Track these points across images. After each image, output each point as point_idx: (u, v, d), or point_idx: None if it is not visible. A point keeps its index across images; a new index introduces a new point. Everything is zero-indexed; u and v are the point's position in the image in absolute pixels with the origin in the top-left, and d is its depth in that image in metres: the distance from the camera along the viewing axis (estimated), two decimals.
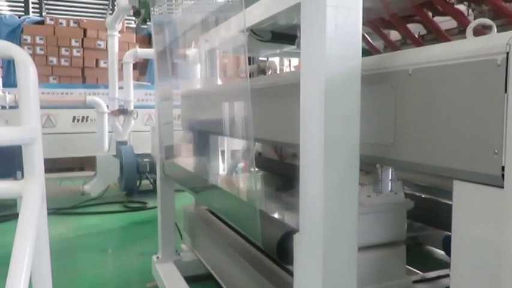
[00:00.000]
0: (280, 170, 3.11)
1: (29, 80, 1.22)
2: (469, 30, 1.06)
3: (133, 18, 5.39)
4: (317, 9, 1.01)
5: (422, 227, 2.34)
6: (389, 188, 1.56)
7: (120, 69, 6.68)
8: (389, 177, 1.56)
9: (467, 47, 0.94)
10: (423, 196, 2.36)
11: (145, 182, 6.28)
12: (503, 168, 0.86)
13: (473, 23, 1.11)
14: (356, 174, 1.12)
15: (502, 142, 0.85)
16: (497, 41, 0.86)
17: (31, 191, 1.21)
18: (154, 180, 6.09)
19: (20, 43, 8.99)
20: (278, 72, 5.93)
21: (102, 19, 17.32)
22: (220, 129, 2.39)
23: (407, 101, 1.08)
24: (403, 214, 1.57)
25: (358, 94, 1.08)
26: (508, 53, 0.83)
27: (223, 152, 3.95)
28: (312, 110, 1.08)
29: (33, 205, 1.16)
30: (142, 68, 9.80)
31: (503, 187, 0.87)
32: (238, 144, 3.49)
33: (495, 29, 1.15)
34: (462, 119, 0.94)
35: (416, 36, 2.38)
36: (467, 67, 0.92)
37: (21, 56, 1.21)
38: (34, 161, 1.27)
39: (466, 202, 0.97)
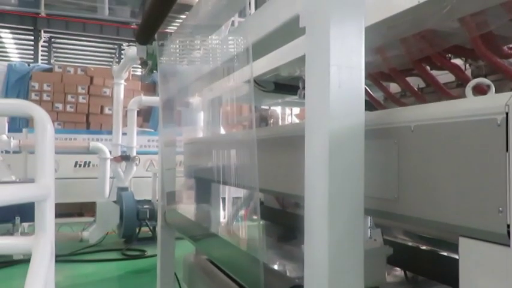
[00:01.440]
0: (282, 220, 3.08)
1: (46, 137, 1.24)
2: (468, 89, 1.10)
3: (139, 66, 5.56)
4: (321, 69, 1.05)
5: (425, 281, 2.28)
6: (369, 235, 1.57)
7: (125, 115, 6.79)
8: (369, 225, 1.58)
9: (468, 106, 0.97)
10: (425, 249, 2.32)
11: (144, 229, 6.20)
12: (508, 226, 0.86)
13: (472, 82, 1.15)
14: (361, 228, 1.12)
15: (507, 200, 0.86)
16: (496, 101, 0.89)
17: (41, 248, 1.20)
18: (154, 228, 6.02)
19: (28, 90, 9.20)
20: (280, 121, 6.01)
21: (109, 66, 17.81)
22: (224, 178, 2.40)
23: (410, 156, 1.10)
24: (382, 260, 1.56)
25: (362, 149, 1.10)
26: (507, 113, 0.85)
27: (224, 199, 3.93)
28: (316, 165, 1.10)
29: (43, 262, 1.15)
30: (146, 114, 9.95)
31: (509, 245, 0.86)
32: (240, 191, 3.48)
33: (493, 89, 1.19)
34: (465, 176, 0.95)
35: (415, 89, 2.44)
36: (468, 126, 0.94)
37: (40, 115, 1.25)
38: (46, 217, 1.27)
39: (473, 259, 0.96)
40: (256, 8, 3.39)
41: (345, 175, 1.07)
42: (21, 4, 14.21)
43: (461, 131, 0.96)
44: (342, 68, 1.04)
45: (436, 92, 2.31)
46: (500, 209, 0.87)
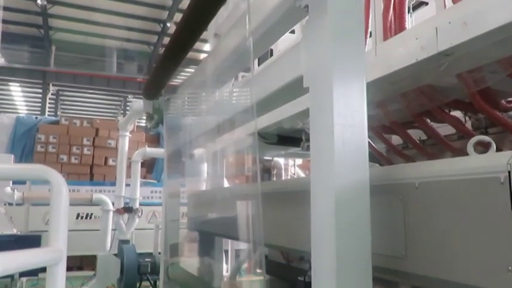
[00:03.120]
0: (288, 274, 3.00)
1: (61, 201, 1.26)
2: (470, 147, 1.12)
3: (144, 118, 5.66)
4: (325, 127, 1.08)
5: None
6: None
7: (128, 167, 6.82)
8: None
9: (470, 164, 0.99)
10: None
11: (146, 283, 6.03)
12: None
13: (473, 140, 1.17)
14: (369, 285, 1.10)
15: None
16: (498, 159, 0.91)
17: None
18: (155, 282, 5.86)
19: (34, 142, 9.32)
20: (283, 171, 6.02)
21: (114, 118, 18.12)
22: (228, 232, 2.38)
23: (416, 213, 1.11)
24: None
25: (368, 205, 1.10)
26: (510, 172, 0.87)
27: (227, 252, 3.86)
28: (322, 221, 1.10)
29: None
30: (149, 165, 10.00)
31: None
32: (243, 244, 3.43)
33: (494, 146, 1.21)
34: (472, 234, 0.95)
35: (417, 141, 2.47)
36: (471, 183, 0.95)
37: (56, 179, 1.28)
38: (57, 281, 1.26)
39: None
40: (259, 63, 3.51)
41: (351, 232, 1.07)
42: (32, 62, 14.73)
43: (465, 188, 0.97)
44: (346, 126, 1.07)
45: (437, 144, 2.34)
46: (510, 268, 0.86)
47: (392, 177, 1.21)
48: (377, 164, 2.68)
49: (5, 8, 10.41)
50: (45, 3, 12.77)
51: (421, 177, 1.10)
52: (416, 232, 1.11)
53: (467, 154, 1.20)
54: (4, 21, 10.12)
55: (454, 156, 2.14)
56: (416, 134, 2.48)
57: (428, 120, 2.25)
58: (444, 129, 2.32)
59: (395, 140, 2.66)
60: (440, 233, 1.03)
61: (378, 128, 2.48)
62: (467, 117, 2.28)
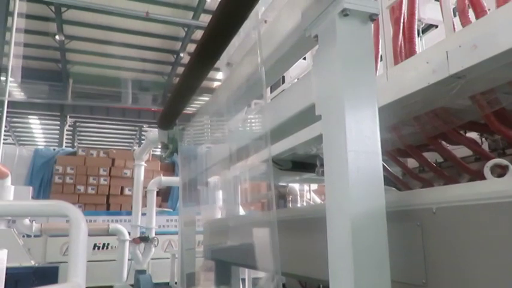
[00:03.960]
0: None
1: (80, 236, 1.28)
2: (487, 170, 1.11)
3: (159, 146, 5.72)
4: (339, 154, 1.08)
5: None
6: None
7: (144, 196, 6.85)
8: None
9: (488, 188, 0.98)
10: None
11: None
12: None
13: (490, 163, 1.16)
14: None
15: None
16: None
17: None
18: None
19: (52, 173, 9.47)
20: (298, 197, 5.97)
21: (130, 147, 18.36)
22: (245, 260, 2.35)
23: (435, 239, 1.08)
24: None
25: (385, 232, 1.09)
26: None
27: (244, 280, 3.81)
28: (339, 250, 1.09)
29: None
30: (164, 194, 10.03)
31: None
32: (260, 272, 3.38)
33: (511, 168, 1.19)
34: (493, 260, 0.93)
35: (433, 164, 2.44)
36: (490, 208, 0.94)
37: (75, 215, 1.30)
38: None
39: None
40: (272, 89, 3.56)
41: (369, 260, 1.06)
42: (51, 95, 15.14)
43: (484, 213, 0.95)
44: (359, 153, 1.07)
45: (455, 167, 2.30)
46: None
47: (409, 203, 1.19)
48: (394, 188, 2.65)
49: (25, 45, 10.80)
50: (63, 38, 13.21)
51: (438, 202, 1.08)
52: (437, 259, 1.08)
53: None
54: (24, 57, 10.48)
55: (472, 179, 2.10)
56: (432, 156, 2.45)
57: (444, 143, 2.23)
58: (461, 151, 2.29)
59: (412, 163, 2.63)
60: (461, 259, 1.01)
61: (393, 152, 2.46)
62: (483, 139, 2.26)
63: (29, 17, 10.58)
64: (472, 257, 0.99)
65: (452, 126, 2.00)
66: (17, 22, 8.91)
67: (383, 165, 2.31)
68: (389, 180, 2.61)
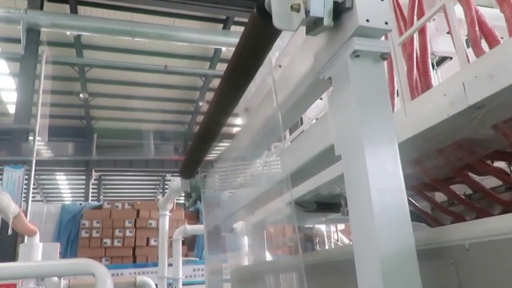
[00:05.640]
0: None
1: None
2: None
3: (183, 196, 5.75)
4: (362, 194, 1.06)
5: None
6: None
7: (170, 246, 6.81)
8: None
9: None
10: None
11: None
12: None
13: None
14: None
15: None
16: None
17: None
18: None
19: (78, 228, 9.56)
20: (326, 239, 5.84)
21: (153, 197, 18.50)
22: None
23: (470, 278, 1.03)
24: None
25: (417, 272, 1.04)
26: None
27: None
28: None
29: None
30: (190, 243, 9.94)
31: None
32: None
33: None
34: None
35: (462, 196, 2.37)
36: None
37: (101, 272, 1.31)
38: None
39: None
40: (291, 131, 3.58)
41: None
42: (76, 152, 15.61)
43: None
44: (383, 191, 1.05)
45: (485, 198, 2.22)
46: None
47: (440, 240, 1.15)
48: (424, 224, 2.57)
49: (52, 104, 11.29)
50: (87, 96, 13.78)
51: (471, 238, 1.04)
52: None
53: None
54: (51, 116, 10.93)
55: (504, 209, 2.02)
56: (462, 189, 2.38)
57: (471, 174, 2.17)
58: (490, 182, 2.23)
59: (440, 197, 2.56)
60: None
61: (420, 187, 2.40)
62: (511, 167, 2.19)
63: (54, 78, 11.12)
64: None
65: (478, 156, 1.95)
66: (43, 84, 9.38)
67: (411, 201, 2.26)
68: (419, 216, 2.53)
